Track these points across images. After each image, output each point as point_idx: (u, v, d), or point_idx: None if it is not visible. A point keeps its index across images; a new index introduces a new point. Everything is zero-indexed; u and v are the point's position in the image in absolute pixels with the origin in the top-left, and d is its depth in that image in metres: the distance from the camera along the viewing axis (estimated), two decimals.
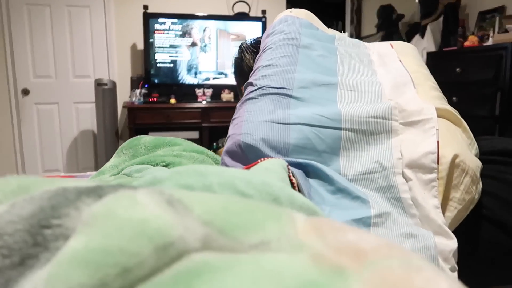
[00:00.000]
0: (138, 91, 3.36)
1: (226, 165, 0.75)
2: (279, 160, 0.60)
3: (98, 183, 0.34)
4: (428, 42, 3.75)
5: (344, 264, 0.26)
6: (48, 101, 3.40)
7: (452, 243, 0.60)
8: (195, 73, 3.53)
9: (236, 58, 1.16)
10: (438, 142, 0.70)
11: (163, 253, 0.27)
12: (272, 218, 0.31)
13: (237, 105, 0.85)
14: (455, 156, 0.68)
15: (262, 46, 1.02)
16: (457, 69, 3.14)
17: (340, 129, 0.75)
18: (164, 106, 3.31)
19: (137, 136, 1.31)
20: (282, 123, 0.75)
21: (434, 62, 3.42)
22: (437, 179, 0.67)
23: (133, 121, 3.26)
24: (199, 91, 3.51)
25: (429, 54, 3.53)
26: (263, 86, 0.85)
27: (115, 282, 0.25)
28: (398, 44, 1.06)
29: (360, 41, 1.08)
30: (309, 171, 0.70)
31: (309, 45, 0.97)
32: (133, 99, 3.33)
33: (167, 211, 0.30)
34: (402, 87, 0.87)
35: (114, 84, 3.25)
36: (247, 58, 1.12)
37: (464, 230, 0.71)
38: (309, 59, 0.93)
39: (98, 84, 3.13)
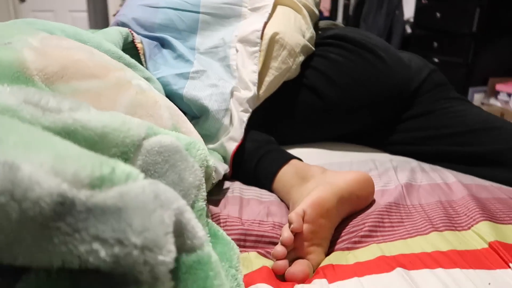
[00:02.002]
0: None
1: None
2: (120, 28, 0.81)
3: None
4: None
5: (36, 47, 0.49)
6: (44, 8, 3.58)
7: (248, 94, 0.82)
8: None
9: None
10: (266, 23, 0.89)
11: None
12: (24, 33, 0.53)
13: None
14: (275, 34, 0.88)
15: None
16: None
17: (198, 12, 0.94)
18: None
19: None
20: (152, 7, 0.95)
21: None
22: (259, 51, 0.87)
23: None
24: None
25: None
26: None
27: None
28: None
29: None
30: (165, 43, 0.91)
31: None
32: None
33: None
34: None
35: None
36: None
37: (288, 95, 0.93)
38: None
39: None
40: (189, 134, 0.54)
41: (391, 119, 0.97)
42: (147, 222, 0.26)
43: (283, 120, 0.95)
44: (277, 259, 0.53)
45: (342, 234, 0.62)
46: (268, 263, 0.55)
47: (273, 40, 0.88)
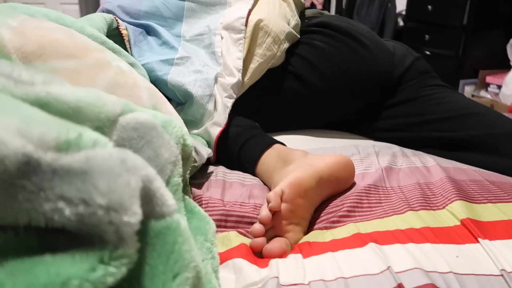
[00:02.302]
0: None
1: None
2: (105, 14, 0.82)
3: None
4: None
5: (15, 27, 0.50)
6: (35, 1, 3.55)
7: (232, 80, 0.83)
8: None
9: None
10: (250, 10, 0.90)
11: None
12: (4, 15, 0.54)
13: None
14: (260, 21, 0.88)
15: None
16: None
17: (184, 0, 0.94)
18: None
19: None
20: None
21: None
22: (244, 38, 0.88)
23: None
24: None
25: None
26: None
27: None
28: None
29: None
30: (150, 30, 0.91)
31: None
32: None
33: None
34: None
35: None
36: None
37: (273, 82, 0.94)
38: None
39: None
40: (169, 115, 0.55)
41: (375, 106, 0.98)
42: (112, 184, 0.27)
43: (268, 107, 0.96)
44: (255, 237, 0.54)
45: (322, 214, 0.63)
46: (247, 241, 0.56)
47: (257, 27, 0.88)
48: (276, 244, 0.53)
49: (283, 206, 0.57)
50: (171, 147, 0.44)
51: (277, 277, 0.44)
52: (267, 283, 0.43)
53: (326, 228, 0.59)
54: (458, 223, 0.54)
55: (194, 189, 0.67)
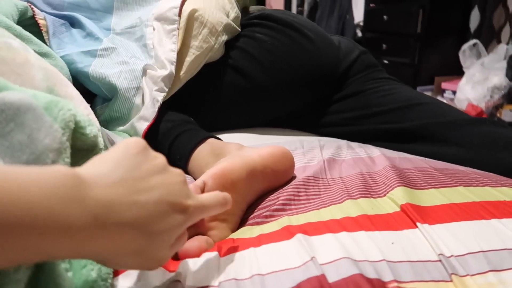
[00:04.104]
0: None
1: None
2: (17, 1, 0.74)
3: None
4: None
5: None
6: None
7: (164, 72, 0.76)
8: None
9: None
10: (184, 0, 0.84)
11: None
12: None
13: None
14: (194, 11, 0.83)
15: None
16: None
17: None
18: None
19: None
20: None
21: None
22: (178, 29, 0.82)
23: None
24: None
25: None
26: None
27: None
28: None
29: None
30: (75, 22, 0.84)
31: None
32: None
33: None
34: None
35: None
36: None
37: (213, 77, 0.88)
38: None
39: None
40: (70, 99, 0.47)
41: (322, 101, 0.94)
42: None
43: (209, 104, 0.89)
44: None
45: (256, 210, 0.57)
46: None
47: (192, 17, 0.83)
48: (194, 243, 0.46)
49: None
50: (53, 131, 0.37)
51: (179, 281, 0.37)
52: None
53: (258, 223, 0.53)
54: (398, 209, 0.49)
55: None
